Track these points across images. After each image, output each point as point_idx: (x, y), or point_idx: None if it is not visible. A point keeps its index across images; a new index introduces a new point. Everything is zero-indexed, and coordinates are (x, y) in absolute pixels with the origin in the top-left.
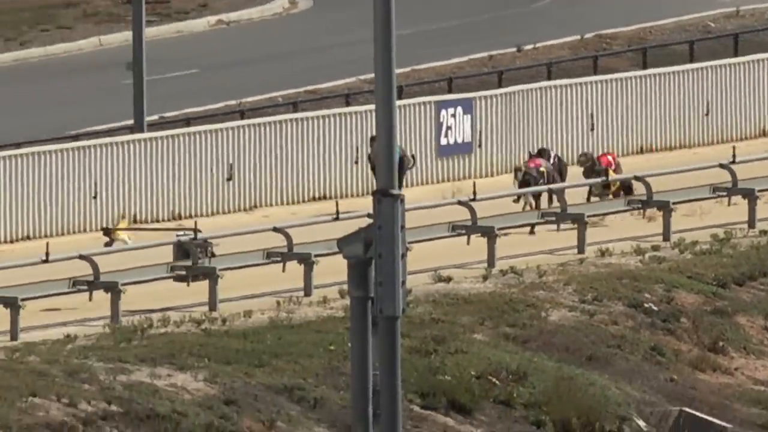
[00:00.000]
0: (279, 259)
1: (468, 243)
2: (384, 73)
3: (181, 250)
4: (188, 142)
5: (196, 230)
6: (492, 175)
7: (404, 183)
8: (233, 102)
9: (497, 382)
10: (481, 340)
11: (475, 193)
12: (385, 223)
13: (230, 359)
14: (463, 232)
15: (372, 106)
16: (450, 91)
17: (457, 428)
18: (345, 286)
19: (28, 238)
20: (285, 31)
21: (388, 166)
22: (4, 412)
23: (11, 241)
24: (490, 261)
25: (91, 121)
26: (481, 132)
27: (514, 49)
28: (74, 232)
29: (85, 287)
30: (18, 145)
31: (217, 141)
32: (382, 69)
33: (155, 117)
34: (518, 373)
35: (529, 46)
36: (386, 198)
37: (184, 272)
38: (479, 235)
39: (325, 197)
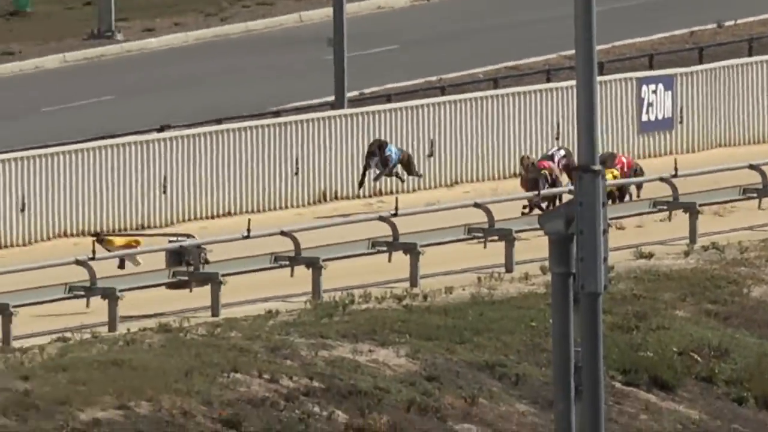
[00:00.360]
0: (480, 235)
1: (669, 219)
2: (585, 51)
3: (175, 255)
4: (388, 119)
5: (188, 235)
6: (693, 152)
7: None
8: (433, 78)
9: (699, 358)
10: (683, 317)
11: (676, 169)
12: (586, 200)
13: (431, 335)
14: (665, 208)
15: (572, 82)
16: (651, 68)
17: (659, 405)
18: (546, 263)
19: (230, 214)
20: (486, 6)
21: (589, 143)
22: (206, 388)
23: (212, 217)
24: (692, 237)
25: (291, 97)
26: (682, 109)
27: (715, 25)
28: (276, 209)
29: (287, 263)
30: (219, 121)
31: (417, 117)
32: (583, 47)
33: (355, 93)
34: (720, 350)
35: (730, 22)
36: (587, 174)
37: (384, 248)
38: (683, 210)
39: None
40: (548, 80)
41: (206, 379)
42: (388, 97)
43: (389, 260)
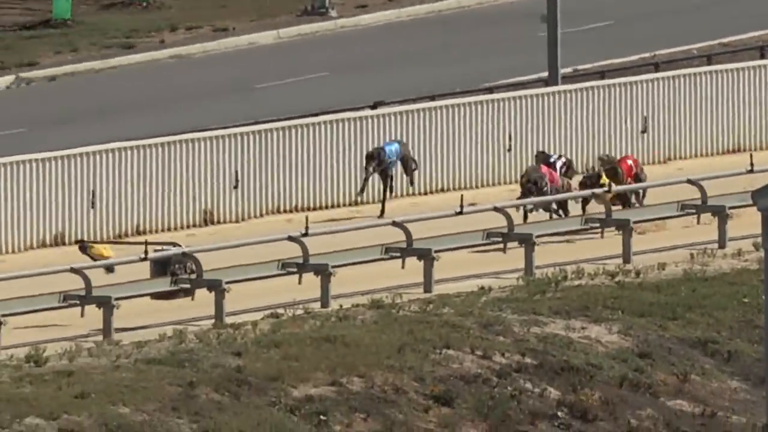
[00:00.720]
0: (693, 211)
1: None
2: None
3: (160, 265)
4: (602, 95)
5: (174, 244)
6: None
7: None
8: (647, 54)
9: None
10: None
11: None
12: None
13: (644, 312)
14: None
15: None
16: None
17: None
18: (759, 239)
19: (442, 190)
20: None
21: None
22: (418, 364)
23: (425, 193)
24: None
25: (505, 74)
26: None
27: None
28: (488, 185)
29: (499, 239)
30: (432, 98)
31: (631, 94)
32: None
33: (569, 69)
34: None
35: None
36: None
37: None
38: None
39: (739, 150)
40: (762, 56)
41: (418, 355)
42: (601, 74)
43: (601, 236)
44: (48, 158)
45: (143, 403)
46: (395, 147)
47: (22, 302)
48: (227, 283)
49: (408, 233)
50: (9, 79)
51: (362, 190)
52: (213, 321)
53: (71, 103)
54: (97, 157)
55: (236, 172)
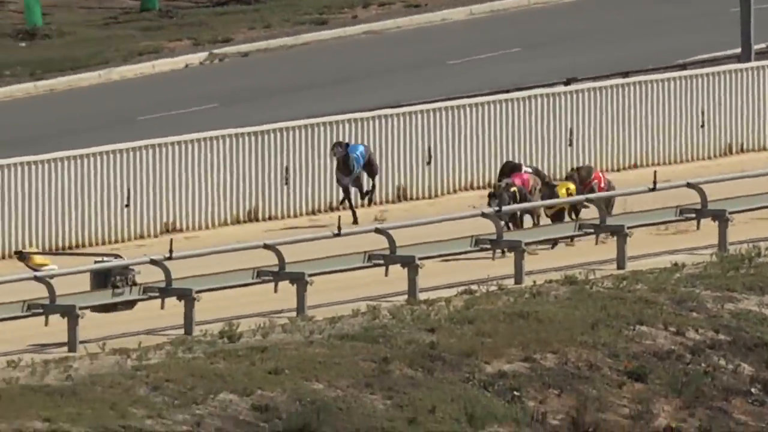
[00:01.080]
0: None
1: None
2: None
3: (101, 277)
4: None
5: (115, 255)
6: None
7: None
8: None
9: None
10: None
11: None
12: None
13: None
14: None
15: None
16: None
17: None
18: None
19: (635, 166)
20: None
21: None
22: (612, 340)
23: (618, 170)
24: None
25: (698, 50)
26: None
27: None
28: (681, 161)
29: (693, 215)
30: (625, 74)
31: None
32: None
33: (763, 45)
34: None
35: None
36: None
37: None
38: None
39: None
40: None
41: (612, 331)
42: None
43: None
44: (241, 134)
45: (336, 379)
46: (360, 149)
47: (216, 279)
48: (420, 259)
49: (602, 211)
50: (202, 55)
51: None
52: (406, 297)
53: (264, 79)
54: (290, 132)
55: (429, 148)
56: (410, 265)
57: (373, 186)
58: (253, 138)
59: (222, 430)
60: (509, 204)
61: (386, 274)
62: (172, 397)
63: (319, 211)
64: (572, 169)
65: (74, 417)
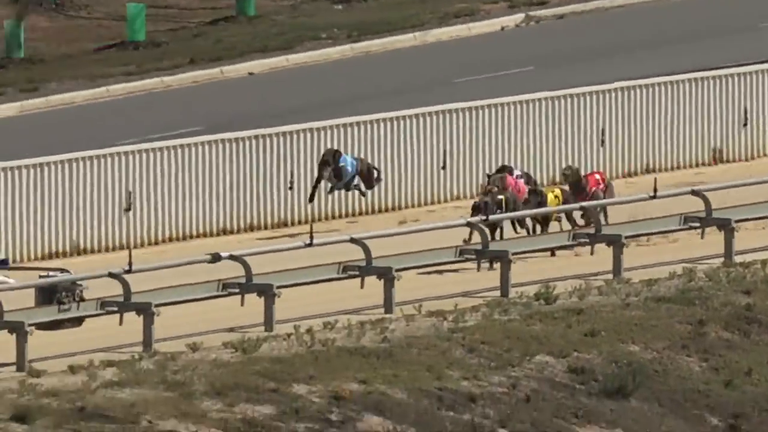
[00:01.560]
0: None
1: None
2: None
3: (46, 292)
4: None
5: (62, 270)
6: None
7: None
8: None
9: None
10: None
11: None
12: None
13: None
14: None
15: None
16: None
17: None
18: None
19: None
20: None
21: None
22: None
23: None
24: None
25: None
26: None
27: None
28: None
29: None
30: None
31: None
32: None
33: None
34: None
35: None
36: None
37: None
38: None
39: None
40: None
41: None
42: None
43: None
44: (557, 97)
45: (652, 341)
46: (350, 160)
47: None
48: (737, 221)
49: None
50: (518, 17)
51: (312, 197)
52: (722, 259)
53: (580, 41)
54: (607, 95)
55: (745, 110)
56: (726, 227)
57: (363, 192)
58: (568, 100)
59: (538, 391)
60: (493, 211)
61: (702, 237)
62: (488, 359)
63: (636, 173)
64: (564, 171)
65: (390, 379)
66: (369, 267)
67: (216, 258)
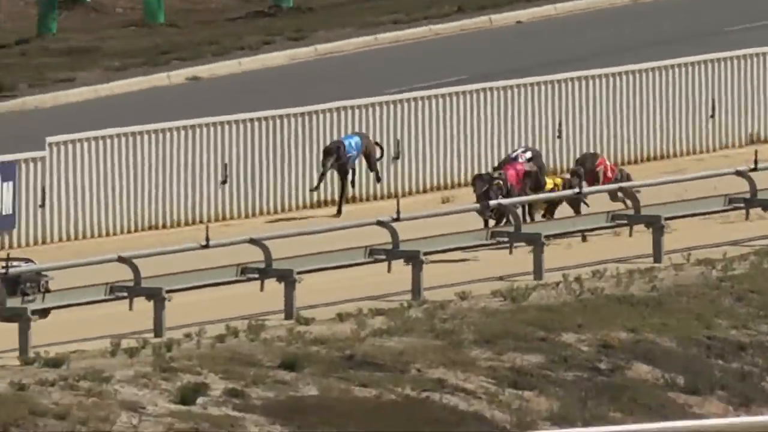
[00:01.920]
0: None
1: None
2: None
3: (9, 284)
4: None
5: (27, 260)
6: None
7: None
8: None
9: None
10: None
11: None
12: None
13: None
14: None
15: None
16: None
17: None
18: None
19: None
20: None
21: None
22: None
23: None
24: None
25: None
26: None
27: None
28: None
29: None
30: None
31: None
32: None
33: None
34: None
35: None
36: None
37: None
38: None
39: None
40: None
41: None
42: None
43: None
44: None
45: None
46: (355, 140)
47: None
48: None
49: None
50: None
51: (317, 187)
52: None
53: None
54: None
55: None
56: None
57: (378, 178)
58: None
59: None
60: (497, 198)
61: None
62: (756, 308)
63: None
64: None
65: (659, 327)
66: (638, 216)
67: None
